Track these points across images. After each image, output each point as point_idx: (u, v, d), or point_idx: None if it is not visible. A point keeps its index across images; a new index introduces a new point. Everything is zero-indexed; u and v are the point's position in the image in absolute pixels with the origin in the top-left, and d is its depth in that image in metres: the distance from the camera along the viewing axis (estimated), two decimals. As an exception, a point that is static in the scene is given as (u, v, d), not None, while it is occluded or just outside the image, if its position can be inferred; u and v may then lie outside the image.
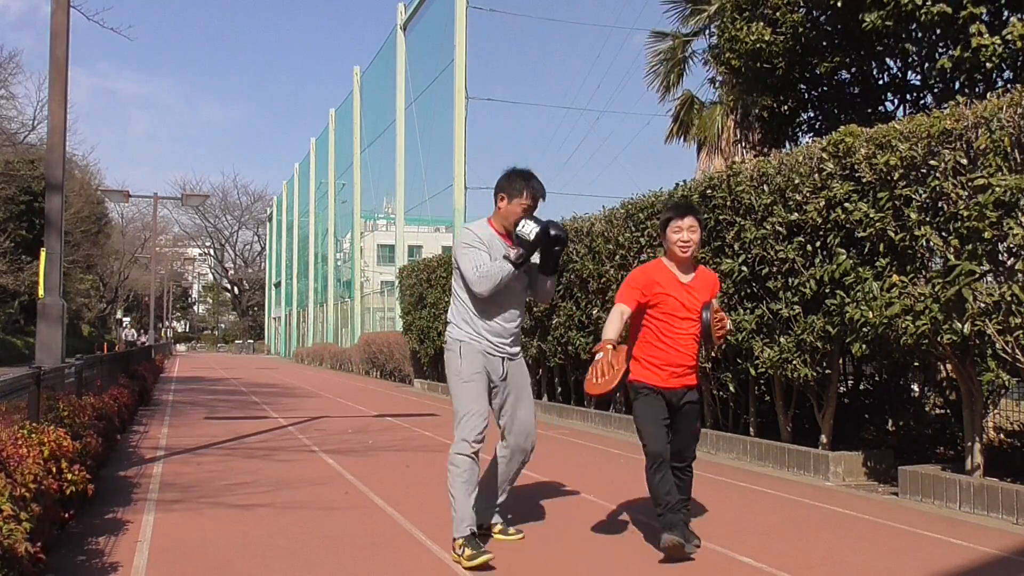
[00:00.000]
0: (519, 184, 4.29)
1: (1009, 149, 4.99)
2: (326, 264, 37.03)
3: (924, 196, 5.54)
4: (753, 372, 7.12)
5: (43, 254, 8.29)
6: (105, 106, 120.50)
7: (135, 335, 40.07)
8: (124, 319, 61.52)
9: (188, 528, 4.78)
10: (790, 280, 6.66)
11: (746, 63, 9.84)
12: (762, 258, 6.92)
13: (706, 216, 7.57)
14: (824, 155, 6.34)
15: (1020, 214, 4.94)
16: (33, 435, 4.31)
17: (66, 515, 4.57)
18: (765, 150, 10.86)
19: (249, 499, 5.62)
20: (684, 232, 4.25)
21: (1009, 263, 5.09)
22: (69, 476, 4.36)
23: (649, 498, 4.36)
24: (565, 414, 11.17)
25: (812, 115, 10.59)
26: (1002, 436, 6.61)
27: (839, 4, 8.62)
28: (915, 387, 7.81)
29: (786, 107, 10.34)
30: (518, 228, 4.19)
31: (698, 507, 5.31)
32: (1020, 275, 4.98)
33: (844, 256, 6.12)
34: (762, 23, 9.62)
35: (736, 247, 7.18)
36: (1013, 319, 4.98)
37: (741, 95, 10.86)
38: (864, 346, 6.00)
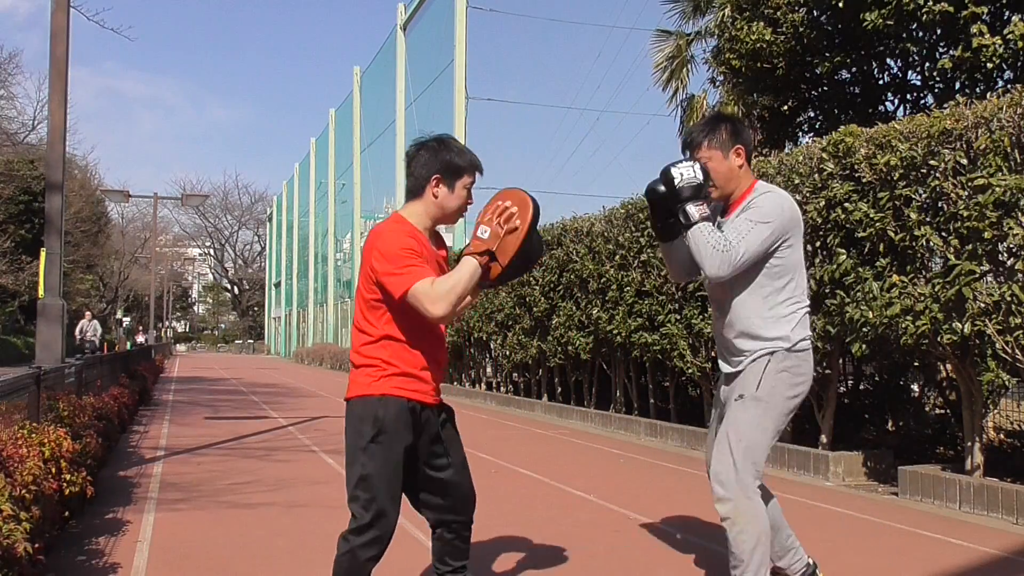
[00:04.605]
0: None
1: (1009, 149, 4.99)
2: (326, 264, 37.02)
3: (924, 196, 5.54)
4: (753, 372, 7.11)
5: (43, 254, 8.30)
6: (111, 106, 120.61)
7: (96, 331, 26.81)
8: (124, 317, 61.25)
9: (188, 528, 4.78)
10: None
11: (746, 63, 9.85)
12: (762, 258, 6.91)
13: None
14: (824, 155, 6.34)
15: (1020, 214, 4.94)
16: (33, 435, 4.31)
17: (66, 515, 4.58)
18: (765, 150, 10.87)
19: (249, 499, 5.63)
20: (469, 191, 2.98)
21: (1009, 263, 5.09)
22: (69, 476, 4.37)
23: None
24: (565, 414, 11.17)
25: (812, 115, 10.61)
26: (1002, 436, 6.62)
27: (840, 4, 8.63)
28: (915, 387, 7.80)
29: (786, 107, 10.35)
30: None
31: (698, 507, 5.31)
32: (1020, 275, 4.98)
33: (844, 256, 6.12)
34: (762, 23, 9.63)
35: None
36: (1013, 319, 4.98)
37: (742, 95, 10.86)
38: (864, 346, 6.00)
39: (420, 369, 2.82)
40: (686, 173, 3.13)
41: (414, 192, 2.89)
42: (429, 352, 2.84)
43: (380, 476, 2.74)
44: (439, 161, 2.86)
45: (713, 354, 7.48)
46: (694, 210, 3.11)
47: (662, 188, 3.18)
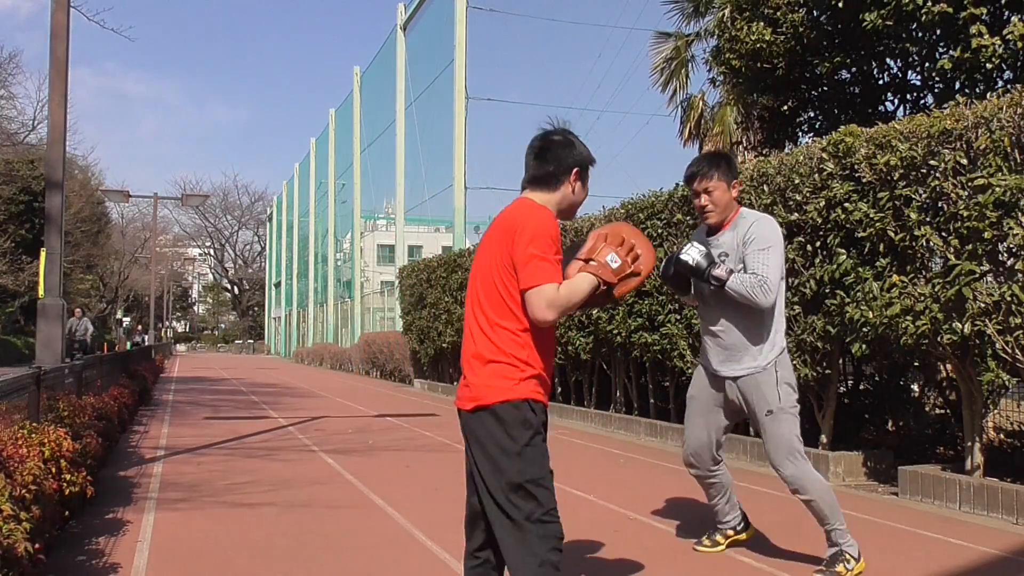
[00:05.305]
0: None
1: (1009, 149, 4.99)
2: (326, 264, 37.02)
3: (924, 196, 5.54)
4: (753, 372, 7.11)
5: (43, 254, 8.30)
6: (112, 106, 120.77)
7: (87, 330, 24.87)
8: (124, 317, 61.12)
9: (188, 528, 4.78)
10: (790, 280, 6.65)
11: (746, 63, 9.84)
12: (762, 258, 6.91)
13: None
14: (824, 155, 6.34)
15: (1020, 214, 4.94)
16: (33, 435, 4.31)
17: (66, 515, 4.58)
18: (765, 150, 10.86)
19: (249, 499, 5.63)
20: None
21: (1009, 263, 5.09)
22: (69, 476, 4.36)
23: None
24: (565, 414, 11.17)
25: (812, 115, 10.60)
26: (1002, 436, 6.62)
27: (839, 4, 8.62)
28: (915, 387, 7.80)
29: (786, 107, 10.35)
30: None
31: (698, 507, 5.31)
32: (1020, 275, 4.98)
33: (844, 256, 6.12)
34: (762, 23, 9.62)
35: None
36: (1013, 319, 4.98)
37: (742, 95, 10.86)
38: (864, 346, 6.00)
39: (545, 370, 2.68)
40: (695, 254, 3.72)
41: (546, 182, 2.74)
42: (551, 353, 2.73)
43: (548, 477, 2.61)
44: (580, 154, 2.75)
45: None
46: (720, 272, 3.71)
47: (688, 272, 3.78)
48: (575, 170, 2.75)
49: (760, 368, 3.80)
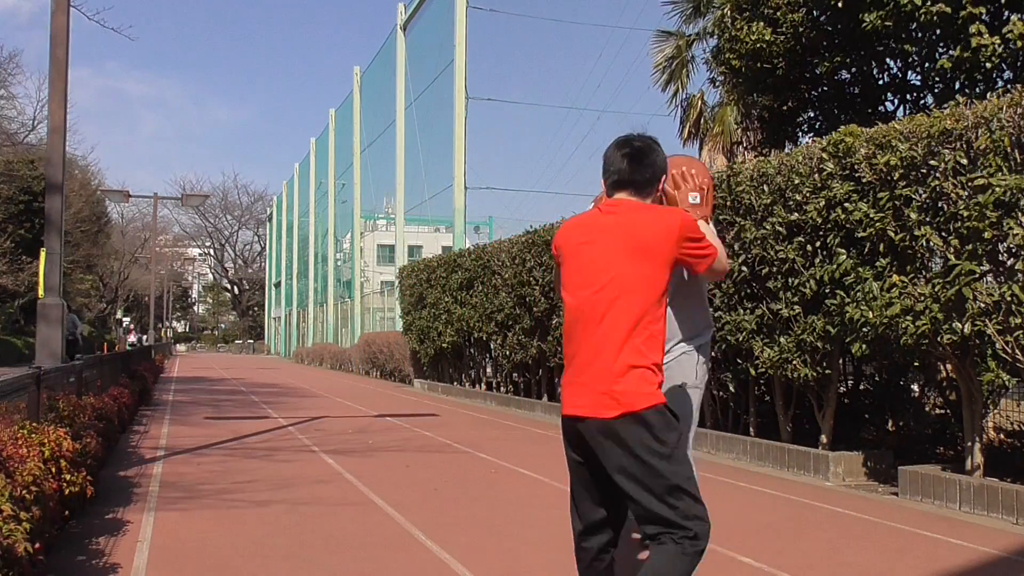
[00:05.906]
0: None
1: (1009, 149, 4.99)
2: (326, 264, 37.02)
3: (924, 196, 5.54)
4: (753, 372, 7.12)
5: (43, 254, 8.30)
6: (113, 106, 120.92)
7: (76, 326, 23.80)
8: (124, 317, 61.06)
9: (188, 528, 4.78)
10: (790, 280, 6.66)
11: (746, 63, 9.84)
12: (762, 258, 6.92)
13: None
14: (824, 155, 6.34)
15: (1020, 214, 4.94)
16: (33, 435, 4.31)
17: (66, 515, 4.58)
18: (765, 150, 10.86)
19: (249, 499, 5.63)
20: None
21: (1009, 263, 5.09)
22: (69, 476, 4.37)
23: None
24: (565, 414, 11.16)
25: (812, 115, 10.60)
26: (1002, 436, 6.62)
27: (839, 4, 8.62)
28: (915, 387, 7.80)
29: (786, 107, 10.35)
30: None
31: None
32: (1020, 275, 4.98)
33: (844, 256, 6.12)
34: (762, 23, 9.62)
35: (736, 247, 7.18)
36: (1013, 319, 4.98)
37: (742, 95, 10.86)
38: (864, 346, 6.00)
39: None
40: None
41: (643, 187, 2.80)
42: None
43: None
44: (666, 161, 2.90)
45: (713, 354, 7.47)
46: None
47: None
48: (663, 177, 2.88)
49: (688, 351, 3.86)
